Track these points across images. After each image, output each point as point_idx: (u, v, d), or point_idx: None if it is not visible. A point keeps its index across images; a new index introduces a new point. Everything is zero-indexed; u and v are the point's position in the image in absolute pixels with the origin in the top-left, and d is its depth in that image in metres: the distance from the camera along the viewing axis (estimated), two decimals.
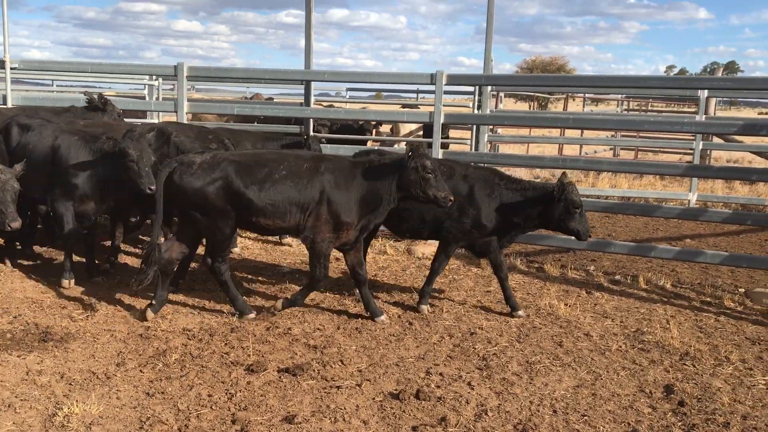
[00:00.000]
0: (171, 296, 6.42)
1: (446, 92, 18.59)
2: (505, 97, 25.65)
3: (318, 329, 5.77)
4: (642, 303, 6.95)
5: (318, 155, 6.29)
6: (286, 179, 5.71)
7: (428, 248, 8.57)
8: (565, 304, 6.68)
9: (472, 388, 4.75)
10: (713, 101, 17.88)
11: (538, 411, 4.47)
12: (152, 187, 5.86)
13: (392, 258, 8.32)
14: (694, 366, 5.35)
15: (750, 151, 16.84)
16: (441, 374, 4.95)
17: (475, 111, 12.90)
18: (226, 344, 5.37)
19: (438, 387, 4.74)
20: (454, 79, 8.44)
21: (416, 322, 6.04)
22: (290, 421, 4.17)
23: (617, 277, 7.86)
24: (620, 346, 5.69)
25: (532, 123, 12.66)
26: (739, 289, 7.51)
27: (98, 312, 5.95)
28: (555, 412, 4.48)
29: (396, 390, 4.63)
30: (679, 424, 4.37)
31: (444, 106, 8.45)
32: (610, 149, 19.52)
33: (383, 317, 6.02)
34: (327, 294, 6.70)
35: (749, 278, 8.10)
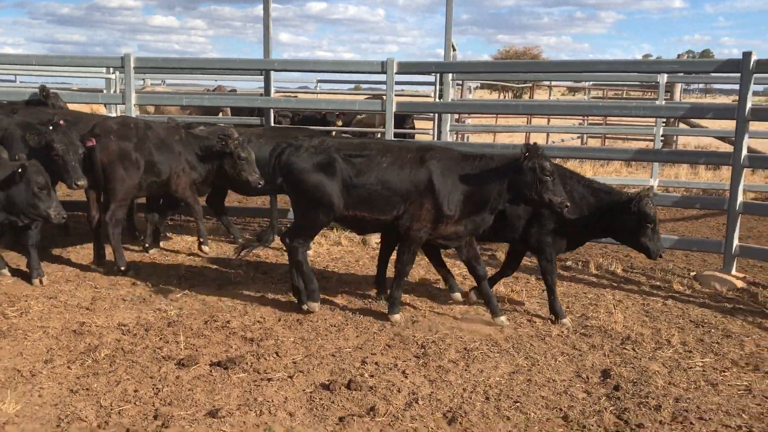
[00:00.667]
0: (111, 291, 6.31)
1: (426, 83, 18.66)
2: (479, 88, 25.76)
3: (258, 322, 5.67)
4: (591, 288, 6.92)
5: (425, 145, 5.88)
6: (392, 168, 5.55)
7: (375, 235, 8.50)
8: (512, 290, 6.64)
9: (406, 377, 4.68)
10: (678, 87, 17.98)
11: (470, 398, 4.41)
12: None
13: (346, 249, 8.23)
14: (635, 350, 5.32)
15: (715, 137, 16.91)
16: (376, 363, 4.88)
17: (436, 100, 12.83)
18: (160, 339, 5.26)
19: (371, 376, 4.67)
20: (404, 67, 8.32)
21: (359, 311, 5.96)
22: (214, 416, 4.07)
23: (569, 262, 7.84)
24: (562, 332, 5.65)
25: (483, 110, 12.62)
26: (691, 273, 7.52)
27: (33, 309, 5.81)
28: (487, 398, 4.42)
29: (328, 381, 4.55)
30: (612, 408, 4.33)
31: (411, 96, 8.39)
32: (578, 137, 19.56)
33: (503, 317, 5.76)
34: (272, 285, 6.61)
35: (703, 262, 8.11)
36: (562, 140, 18.99)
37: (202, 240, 7.36)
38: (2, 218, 5.65)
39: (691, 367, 5.00)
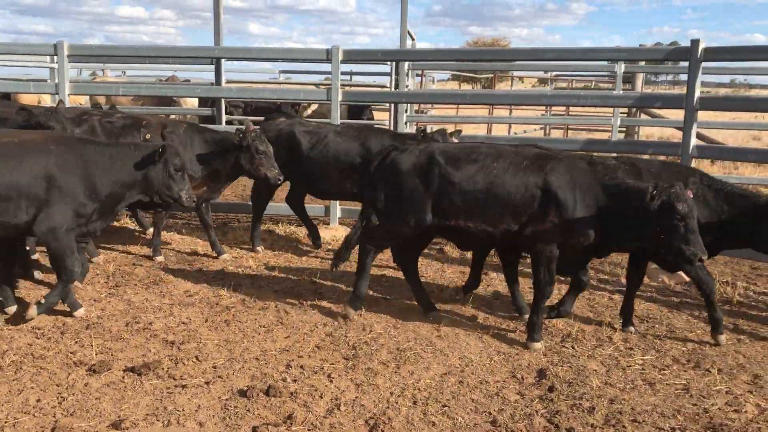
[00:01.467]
0: (32, 291, 5.97)
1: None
2: (450, 80, 25.53)
3: (183, 323, 5.38)
4: None
5: (544, 152, 5.27)
6: (505, 175, 5.00)
7: (329, 232, 8.26)
8: (456, 287, 6.42)
9: (331, 381, 4.44)
10: (640, 78, 17.90)
11: (396, 403, 4.18)
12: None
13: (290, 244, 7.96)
14: (574, 348, 5.13)
15: (676, 127, 16.86)
16: (302, 367, 4.62)
17: (391, 90, 12.56)
18: (76, 342, 4.94)
19: (294, 381, 4.42)
20: (350, 55, 8.05)
21: (293, 311, 5.70)
22: (117, 427, 3.79)
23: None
24: (500, 330, 5.44)
25: (432, 100, 12.36)
26: None
27: None
28: (415, 403, 4.19)
29: (246, 387, 4.27)
30: (543, 411, 4.13)
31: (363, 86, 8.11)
32: (541, 128, 19.42)
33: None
34: (203, 284, 6.31)
35: None
36: (524, 131, 18.85)
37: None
38: (136, 197, 5.66)
39: (630, 366, 4.82)
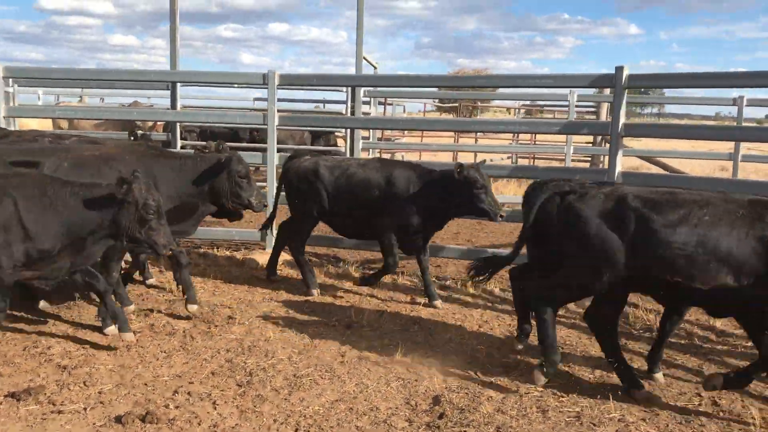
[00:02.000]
0: None
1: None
2: (433, 110, 25.56)
3: (83, 347, 5.26)
4: (462, 308, 6.66)
5: (761, 198, 4.59)
6: (716, 226, 4.35)
7: (263, 257, 8.15)
8: (373, 312, 6.33)
9: (215, 408, 4.32)
10: (605, 106, 18.02)
11: (277, 430, 4.08)
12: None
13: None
14: (478, 374, 5.04)
15: (639, 156, 16.98)
16: (189, 393, 4.50)
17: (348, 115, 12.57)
18: None
19: (177, 407, 4.30)
20: (286, 79, 8.03)
21: (199, 336, 5.58)
22: None
23: (448, 282, 7.58)
24: (405, 357, 5.34)
25: (380, 126, 12.37)
26: None
27: None
28: (296, 430, 4.09)
29: (124, 413, 4.16)
30: None
31: None
32: (508, 157, 19.47)
33: None
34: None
35: None
36: (491, 160, 18.86)
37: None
38: (205, 209, 5.97)
39: (528, 393, 4.73)
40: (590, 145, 18.56)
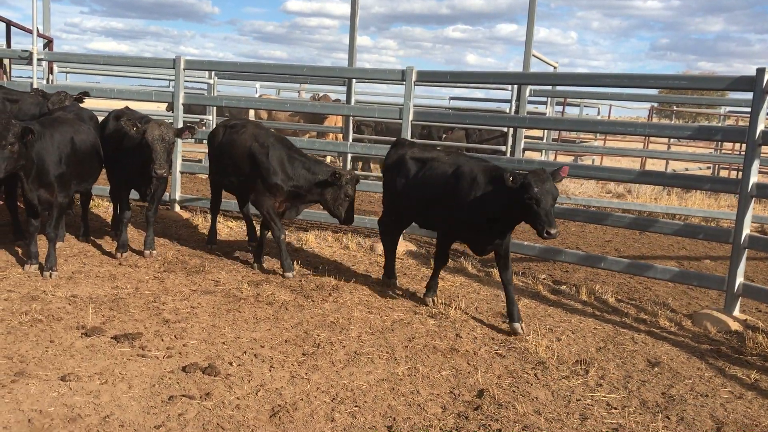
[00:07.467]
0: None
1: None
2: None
3: (192, 308, 5.93)
4: (566, 314, 6.48)
5: None
6: None
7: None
8: (461, 307, 6.39)
9: (271, 370, 4.72)
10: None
11: (316, 397, 4.38)
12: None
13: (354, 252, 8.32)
14: (536, 376, 4.96)
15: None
16: (255, 355, 4.94)
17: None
18: (81, 311, 5.63)
19: (238, 366, 4.76)
20: (423, 76, 8.31)
21: (293, 309, 6.05)
22: (63, 379, 4.36)
23: (562, 287, 7.38)
24: (473, 348, 5.37)
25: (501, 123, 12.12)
26: (693, 311, 6.79)
27: None
28: (333, 399, 4.36)
29: (186, 365, 4.68)
30: (447, 426, 4.11)
31: None
32: (707, 167, 18.01)
33: None
34: (234, 279, 6.86)
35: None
36: (686, 169, 17.61)
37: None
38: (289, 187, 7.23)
39: (580, 399, 4.58)
40: None
